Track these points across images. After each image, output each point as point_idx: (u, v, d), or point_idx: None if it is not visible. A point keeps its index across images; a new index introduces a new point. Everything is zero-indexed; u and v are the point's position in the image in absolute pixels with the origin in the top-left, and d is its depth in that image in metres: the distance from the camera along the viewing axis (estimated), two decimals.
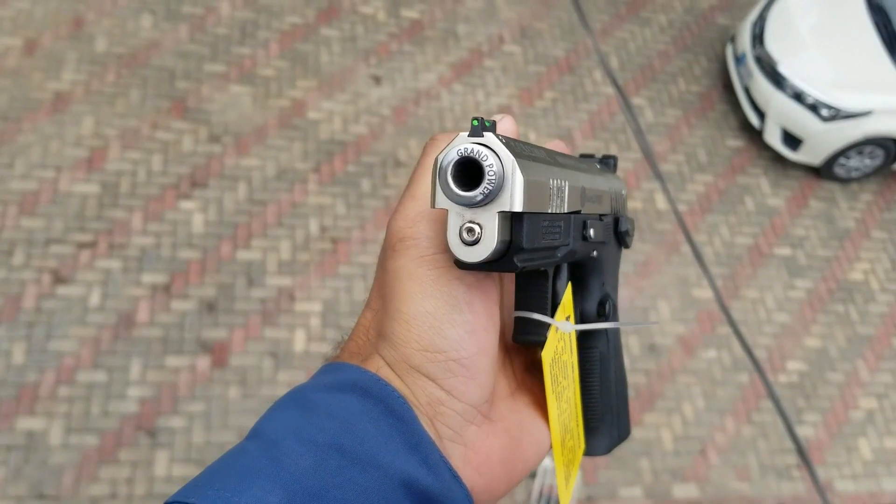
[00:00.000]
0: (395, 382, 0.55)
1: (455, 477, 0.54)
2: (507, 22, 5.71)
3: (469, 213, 0.52)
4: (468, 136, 0.52)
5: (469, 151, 0.51)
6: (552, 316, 0.65)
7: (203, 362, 3.74)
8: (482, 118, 0.52)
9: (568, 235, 0.62)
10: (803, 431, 4.48)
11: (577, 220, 0.63)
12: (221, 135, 4.51)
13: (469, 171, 0.51)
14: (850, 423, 4.61)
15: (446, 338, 0.54)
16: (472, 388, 0.55)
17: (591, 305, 0.75)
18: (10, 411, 3.44)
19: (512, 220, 0.52)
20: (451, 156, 0.51)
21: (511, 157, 0.51)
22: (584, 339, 0.77)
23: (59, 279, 3.80)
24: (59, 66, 4.49)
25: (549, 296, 0.64)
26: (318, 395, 0.54)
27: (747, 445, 4.34)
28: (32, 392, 3.50)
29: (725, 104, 5.85)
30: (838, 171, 5.56)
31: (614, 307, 0.79)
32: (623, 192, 0.85)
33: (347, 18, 5.30)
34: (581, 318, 0.74)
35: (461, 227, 0.52)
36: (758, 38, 5.54)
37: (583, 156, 0.80)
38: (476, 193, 0.50)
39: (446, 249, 0.55)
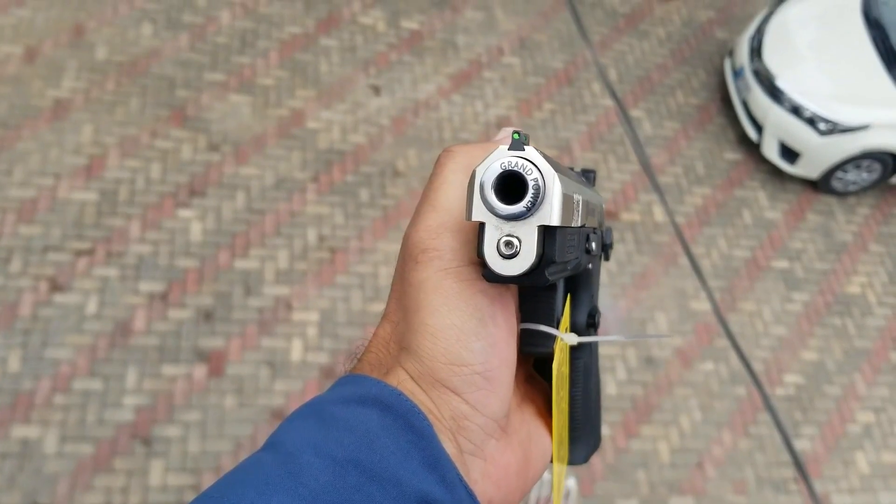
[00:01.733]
0: (419, 396, 0.54)
1: (470, 495, 0.54)
2: (507, 33, 5.73)
3: (508, 227, 0.52)
4: (509, 149, 0.52)
5: (513, 165, 0.51)
6: (557, 325, 0.66)
7: (199, 371, 3.74)
8: (521, 131, 0.53)
9: (579, 248, 0.62)
10: (800, 445, 4.48)
11: (581, 234, 0.64)
12: (220, 143, 4.51)
13: (509, 185, 0.51)
14: (848, 437, 4.61)
15: (473, 351, 0.54)
16: (494, 401, 0.55)
17: (582, 317, 0.76)
18: (5, 419, 3.42)
19: (545, 234, 0.53)
20: (495, 168, 0.52)
21: (552, 171, 0.52)
22: (572, 350, 0.77)
23: (56, 287, 3.79)
24: (59, 73, 4.50)
25: (556, 308, 0.65)
26: (338, 408, 0.53)
27: (744, 458, 4.33)
28: (28, 400, 3.49)
29: (723, 117, 5.87)
30: (836, 184, 5.57)
31: (598, 318, 0.81)
32: (602, 205, 0.85)
33: (347, 28, 5.32)
34: (573, 329, 0.74)
35: (499, 241, 0.52)
36: (756, 51, 5.56)
37: (583, 172, 0.83)
38: (520, 207, 0.51)
39: (470, 262, 0.55)
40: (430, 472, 0.51)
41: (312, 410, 0.54)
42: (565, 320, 0.68)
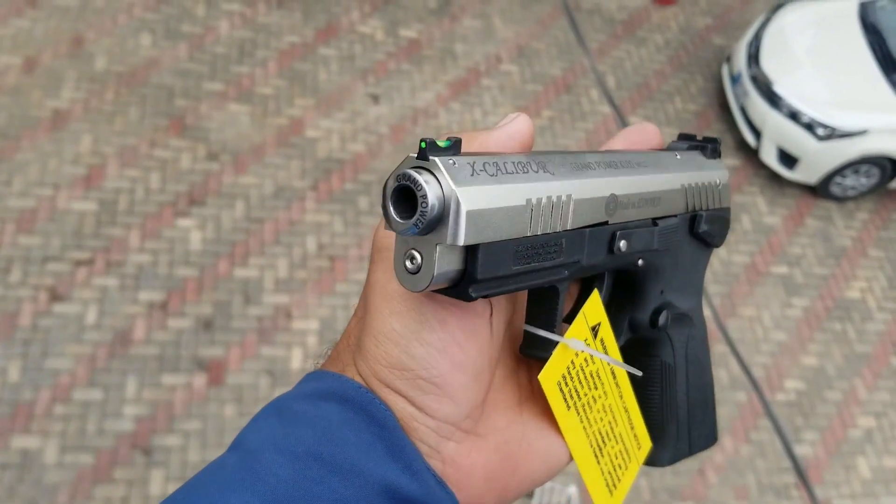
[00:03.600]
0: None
1: (440, 483, 0.54)
2: (505, 41, 5.75)
3: (412, 241, 0.49)
4: (418, 157, 0.49)
5: (406, 178, 0.47)
6: (558, 330, 0.62)
7: (199, 380, 3.73)
8: (431, 140, 0.48)
9: (577, 252, 0.58)
10: (801, 450, 4.47)
11: (597, 234, 0.59)
12: (219, 153, 4.52)
13: (412, 197, 0.48)
14: (849, 442, 4.60)
15: (414, 357, 0.53)
16: (447, 405, 0.55)
17: (644, 315, 0.70)
18: (5, 429, 3.42)
19: (467, 250, 0.49)
20: (392, 181, 0.49)
21: (452, 186, 0.47)
22: (643, 346, 0.73)
23: (55, 297, 3.79)
24: (58, 84, 4.51)
25: (559, 312, 0.61)
26: (299, 404, 0.54)
27: (745, 464, 4.32)
28: (28, 410, 3.48)
29: (722, 123, 5.88)
30: (834, 189, 5.58)
31: (684, 316, 0.74)
32: (718, 181, 0.76)
33: (346, 38, 5.34)
34: (631, 328, 0.70)
35: (405, 254, 0.50)
36: (753, 57, 5.58)
37: (682, 136, 0.76)
38: (409, 224, 0.47)
39: None
40: (395, 461, 0.51)
41: (275, 408, 0.54)
42: (580, 323, 0.63)
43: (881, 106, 5.30)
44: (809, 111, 5.28)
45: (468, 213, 0.47)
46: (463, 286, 0.50)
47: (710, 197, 0.73)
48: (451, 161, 0.48)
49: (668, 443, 0.75)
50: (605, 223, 0.60)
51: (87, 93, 4.53)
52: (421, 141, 0.48)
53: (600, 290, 0.66)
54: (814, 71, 5.51)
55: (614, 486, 0.71)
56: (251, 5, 5.25)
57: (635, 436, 0.72)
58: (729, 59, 5.93)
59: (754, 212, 5.47)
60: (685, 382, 0.74)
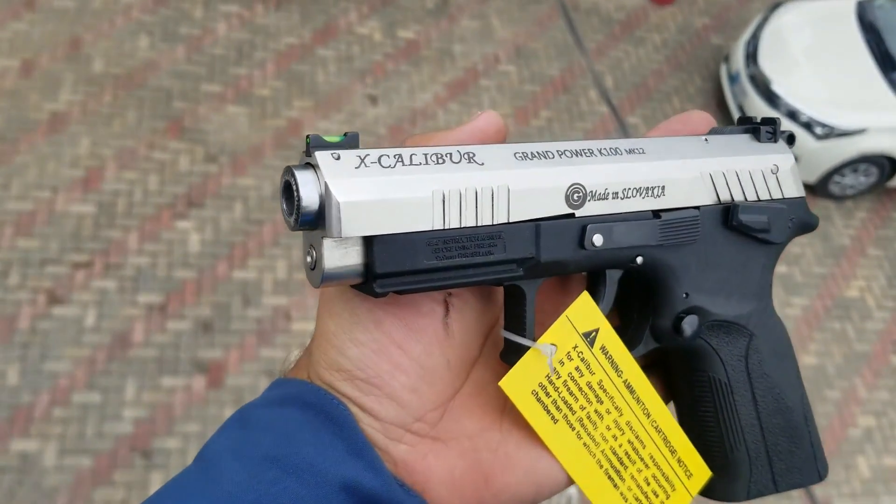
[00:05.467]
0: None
1: (402, 483, 0.54)
2: (503, 42, 5.75)
3: (310, 236, 0.49)
4: (305, 153, 0.49)
5: (287, 174, 0.48)
6: (529, 335, 0.58)
7: (198, 382, 3.73)
8: (317, 136, 0.48)
9: (526, 247, 0.54)
10: None
11: (556, 228, 0.55)
12: (218, 154, 4.51)
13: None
14: (849, 441, 4.59)
15: (349, 357, 0.53)
16: (389, 407, 0.54)
17: (665, 322, 0.62)
18: (4, 433, 3.41)
19: (365, 244, 0.48)
20: (281, 178, 0.49)
21: (325, 179, 0.47)
22: (686, 359, 0.65)
23: (54, 299, 3.79)
24: (56, 86, 4.51)
25: (527, 316, 0.57)
26: (259, 411, 0.54)
27: None
28: (27, 413, 3.48)
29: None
30: (833, 188, 5.58)
31: (730, 325, 0.64)
32: (772, 167, 0.66)
33: (343, 39, 5.33)
34: (654, 336, 0.63)
35: (306, 250, 0.50)
36: (751, 57, 5.58)
37: (741, 121, 0.68)
38: (292, 219, 0.48)
39: None
40: (357, 459, 0.51)
41: (237, 417, 0.55)
42: (562, 328, 0.59)
43: (879, 105, 5.30)
44: (808, 110, 5.28)
45: (343, 204, 0.47)
46: (369, 281, 0.49)
47: (754, 185, 0.64)
48: (333, 155, 0.48)
49: (738, 473, 0.65)
50: (570, 216, 0.56)
51: (85, 95, 4.53)
52: (306, 137, 0.48)
53: (600, 293, 0.61)
54: (812, 70, 5.52)
55: None
56: (249, 7, 5.24)
57: (680, 461, 0.64)
58: (727, 59, 5.93)
59: None
60: (751, 403, 0.64)
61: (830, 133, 5.24)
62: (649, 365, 0.69)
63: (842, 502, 4.36)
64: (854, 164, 5.36)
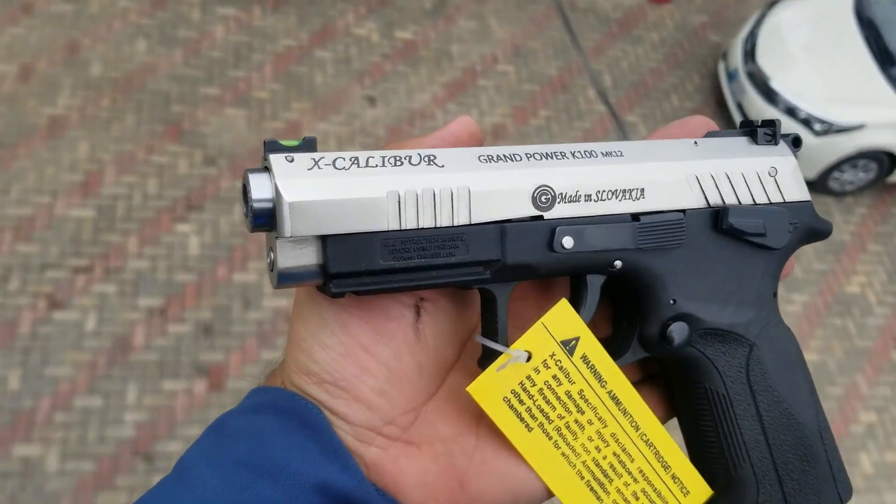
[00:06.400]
0: None
1: (377, 487, 0.54)
2: (500, 42, 5.74)
3: (269, 238, 0.50)
4: (263, 157, 0.50)
5: (244, 177, 0.49)
6: (502, 340, 0.57)
7: (200, 386, 3.73)
8: (273, 140, 0.49)
9: (490, 249, 0.53)
10: None
11: (522, 230, 0.54)
12: (216, 157, 4.51)
13: None
14: (851, 437, 4.59)
15: (317, 361, 0.54)
16: (358, 410, 0.54)
17: (652, 329, 0.60)
18: (6, 438, 3.41)
19: (325, 244, 0.49)
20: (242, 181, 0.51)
21: (275, 180, 0.48)
22: (681, 369, 0.63)
23: (54, 304, 3.78)
24: (54, 91, 4.51)
25: (499, 321, 0.56)
26: (234, 419, 0.55)
27: None
28: (28, 418, 3.47)
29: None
30: (832, 184, 5.57)
31: (726, 334, 0.61)
32: (769, 169, 0.63)
33: (341, 40, 5.33)
34: (643, 345, 0.61)
35: (267, 252, 0.51)
36: (749, 54, 5.58)
37: (743, 124, 0.65)
38: (247, 221, 0.49)
39: None
40: (330, 460, 0.51)
41: (214, 426, 0.55)
42: (537, 334, 0.57)
43: (878, 100, 5.30)
44: (806, 107, 5.28)
45: (291, 204, 0.47)
46: (327, 282, 0.50)
47: (748, 187, 0.62)
48: (287, 158, 0.49)
49: (743, 493, 0.61)
50: (538, 218, 0.55)
51: (84, 100, 4.53)
52: (264, 142, 0.49)
53: (582, 300, 0.59)
54: (810, 66, 5.52)
55: None
56: (246, 9, 5.24)
57: (675, 477, 0.61)
58: (725, 56, 5.93)
59: None
60: (755, 418, 0.61)
61: (829, 129, 5.24)
62: (649, 378, 0.68)
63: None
64: (853, 160, 5.36)
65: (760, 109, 5.39)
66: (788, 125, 5.30)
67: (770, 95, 5.36)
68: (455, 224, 0.52)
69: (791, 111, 5.30)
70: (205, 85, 4.81)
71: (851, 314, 5.13)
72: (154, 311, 3.88)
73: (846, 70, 5.47)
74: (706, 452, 0.63)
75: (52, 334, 3.71)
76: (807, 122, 5.27)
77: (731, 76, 5.70)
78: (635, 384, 0.65)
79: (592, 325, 0.65)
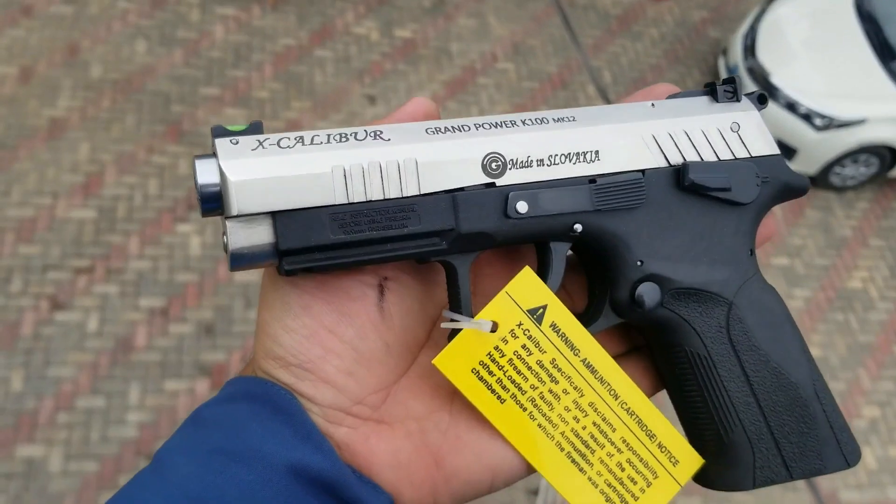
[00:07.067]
0: None
1: (353, 468, 0.54)
2: (500, 39, 5.74)
3: (223, 222, 0.51)
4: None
5: (192, 164, 0.50)
6: (466, 312, 0.56)
7: (202, 385, 3.73)
8: (219, 126, 0.50)
9: (443, 218, 0.53)
10: None
11: (474, 197, 0.54)
12: None
13: None
14: (854, 433, 4.57)
15: (282, 345, 0.54)
16: (325, 391, 0.55)
17: (622, 293, 0.59)
18: (9, 439, 3.42)
19: (273, 222, 0.50)
20: None
21: (219, 162, 0.49)
22: (659, 334, 0.61)
23: (56, 305, 3.79)
24: (54, 92, 4.51)
25: (461, 292, 0.56)
26: (209, 409, 0.55)
27: None
28: (31, 419, 3.48)
29: None
30: (834, 179, 5.57)
31: (700, 293, 0.59)
32: (732, 124, 0.62)
33: (341, 39, 5.33)
34: (615, 310, 0.60)
35: (221, 237, 0.52)
36: (749, 49, 5.57)
37: (706, 86, 0.64)
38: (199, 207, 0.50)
39: None
40: (303, 442, 0.52)
41: (191, 418, 0.56)
42: (501, 304, 0.57)
43: (879, 95, 5.29)
44: (807, 102, 5.27)
45: (234, 182, 0.48)
46: (280, 260, 0.50)
47: (710, 144, 0.61)
48: (232, 141, 0.50)
49: (737, 459, 0.59)
50: (490, 185, 0.55)
51: (84, 101, 4.53)
52: (211, 128, 0.51)
53: (548, 268, 0.59)
54: (810, 61, 5.51)
55: (625, 503, 0.59)
56: (245, 9, 5.24)
57: (661, 446, 0.60)
58: (725, 52, 5.92)
59: None
60: (742, 379, 0.59)
61: (830, 124, 5.23)
62: (634, 350, 0.67)
63: (848, 494, 4.36)
64: (854, 154, 5.35)
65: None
66: (789, 121, 5.30)
67: (770, 91, 5.35)
68: (405, 195, 0.53)
69: (792, 106, 5.29)
70: (205, 85, 4.81)
71: (853, 309, 5.12)
72: (155, 312, 3.89)
73: (847, 65, 5.46)
74: (696, 419, 0.61)
75: (55, 335, 3.71)
76: (807, 118, 5.26)
77: (732, 72, 5.69)
78: (620, 357, 0.65)
79: (571, 298, 0.65)
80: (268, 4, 5.30)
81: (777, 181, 0.62)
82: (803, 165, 5.45)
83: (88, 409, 3.56)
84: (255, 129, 0.51)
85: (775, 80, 5.36)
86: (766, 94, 0.65)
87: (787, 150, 5.42)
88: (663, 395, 0.67)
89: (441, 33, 5.62)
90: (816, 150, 5.31)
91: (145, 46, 4.88)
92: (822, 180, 5.56)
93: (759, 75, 5.42)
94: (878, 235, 5.56)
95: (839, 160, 5.37)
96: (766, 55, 5.46)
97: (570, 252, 0.61)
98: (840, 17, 5.63)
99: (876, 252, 5.46)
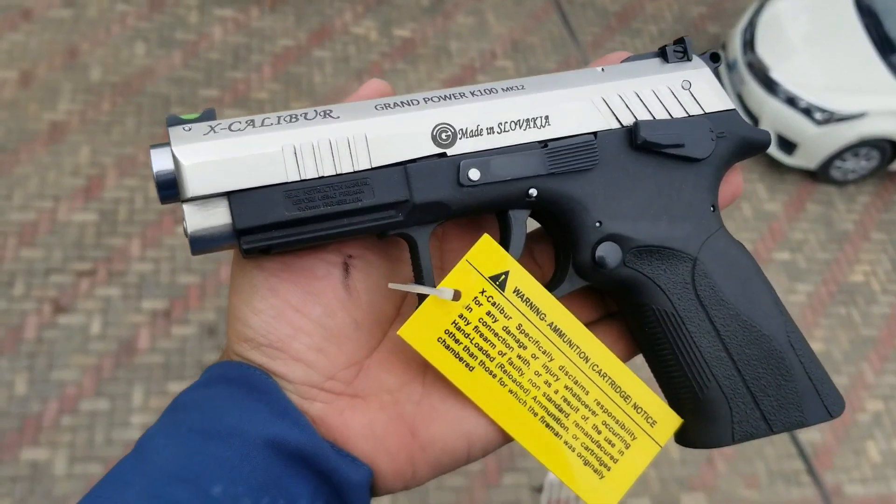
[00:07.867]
0: None
1: (331, 443, 0.56)
2: (499, 37, 5.74)
3: (182, 208, 0.52)
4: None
5: (150, 150, 0.52)
6: (428, 283, 0.57)
7: None
8: (173, 115, 0.52)
9: (397, 190, 0.54)
10: (810, 436, 4.46)
11: (427, 168, 0.55)
12: None
13: None
14: (858, 427, 4.59)
15: (251, 326, 0.56)
16: (297, 368, 0.56)
17: (584, 255, 0.60)
18: (14, 442, 3.42)
19: (230, 202, 0.52)
20: None
21: (171, 148, 0.51)
22: (626, 295, 0.61)
23: (59, 308, 3.80)
24: (54, 96, 4.52)
25: (422, 263, 0.57)
26: (188, 395, 0.57)
27: (754, 452, 4.31)
28: (36, 422, 3.49)
29: None
30: (834, 173, 5.56)
31: (663, 250, 0.60)
32: (683, 83, 0.63)
33: (339, 39, 5.34)
34: (579, 273, 0.61)
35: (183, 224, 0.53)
36: (749, 44, 5.57)
37: (660, 49, 0.65)
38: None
39: None
40: (280, 419, 0.53)
41: (171, 405, 0.57)
42: (462, 272, 0.57)
43: (879, 88, 5.29)
44: (807, 96, 5.26)
45: (186, 166, 0.50)
46: (238, 241, 0.52)
47: (661, 103, 0.62)
48: (185, 128, 0.52)
49: (715, 414, 0.59)
50: (441, 155, 0.56)
51: (84, 104, 4.54)
52: (166, 118, 0.53)
53: (508, 235, 0.59)
54: (810, 55, 5.50)
55: (605, 466, 0.59)
56: (244, 10, 5.25)
57: (637, 407, 0.60)
58: (724, 47, 5.92)
59: (754, 199, 5.46)
60: (712, 334, 0.59)
61: (830, 118, 5.22)
62: (608, 316, 0.68)
63: (852, 488, 4.35)
64: (855, 148, 5.34)
65: (760, 100, 5.38)
66: (789, 115, 5.30)
67: (770, 86, 5.35)
68: (356, 170, 0.54)
69: (791, 101, 5.29)
70: (204, 87, 4.82)
71: (856, 303, 5.12)
72: (158, 314, 3.90)
73: (846, 58, 5.45)
74: (671, 379, 0.61)
75: (58, 338, 3.72)
76: (808, 112, 5.26)
77: (731, 67, 5.69)
78: (594, 323, 0.65)
79: (542, 269, 0.66)
80: (266, 5, 5.30)
81: (734, 136, 0.63)
82: (804, 160, 5.45)
83: (92, 412, 3.57)
84: (208, 115, 0.53)
85: (775, 74, 5.35)
86: (718, 53, 0.66)
87: (788, 145, 5.42)
88: (641, 361, 0.67)
89: (440, 32, 5.62)
90: (817, 144, 5.30)
91: (144, 49, 4.89)
92: (822, 174, 5.56)
93: (759, 70, 5.42)
94: (879, 229, 5.56)
95: (840, 154, 5.36)
96: (766, 50, 5.46)
97: (530, 219, 0.62)
98: (839, 11, 5.62)
99: (878, 245, 5.45)
